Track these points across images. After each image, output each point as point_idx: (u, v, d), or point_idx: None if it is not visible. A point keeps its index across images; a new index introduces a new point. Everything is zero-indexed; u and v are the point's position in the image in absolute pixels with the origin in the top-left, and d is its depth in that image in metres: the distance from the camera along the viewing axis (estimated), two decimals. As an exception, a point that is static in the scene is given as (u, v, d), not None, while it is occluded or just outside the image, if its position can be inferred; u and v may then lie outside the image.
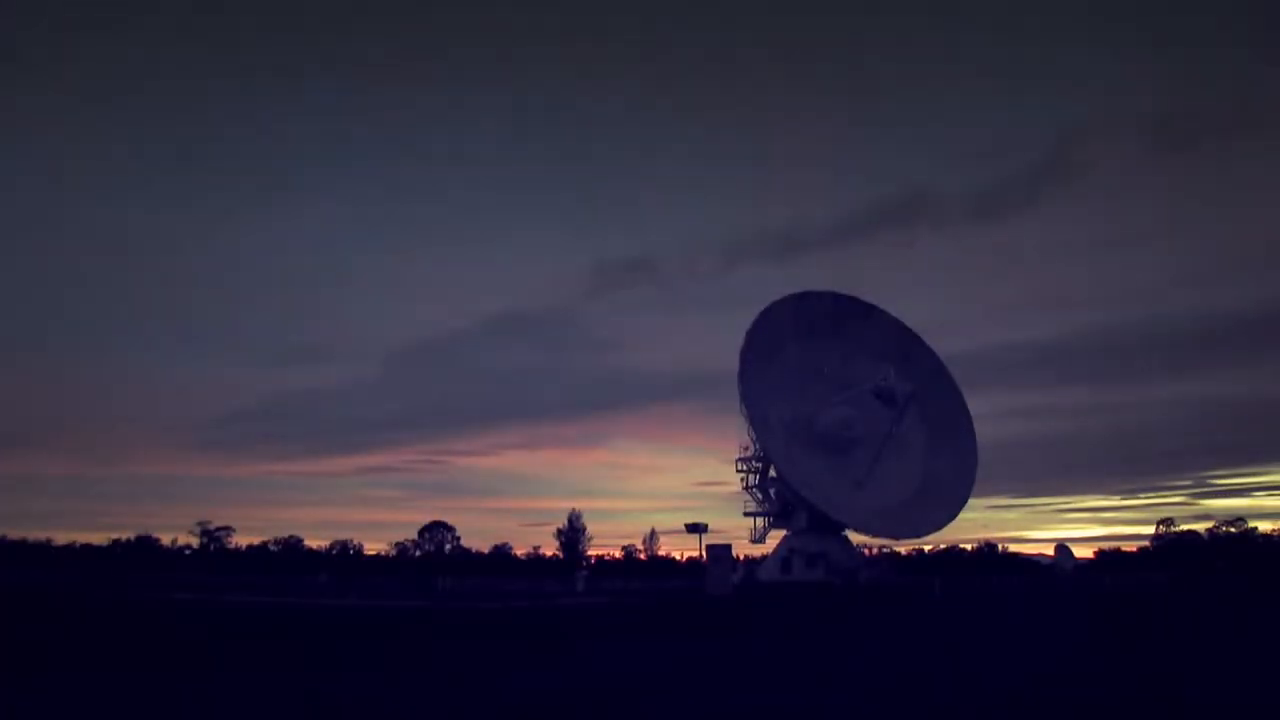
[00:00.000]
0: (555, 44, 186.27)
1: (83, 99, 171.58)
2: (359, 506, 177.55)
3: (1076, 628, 23.26)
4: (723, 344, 62.92)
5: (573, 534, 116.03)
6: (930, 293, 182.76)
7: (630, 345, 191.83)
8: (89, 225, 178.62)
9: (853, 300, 69.83)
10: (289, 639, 18.22)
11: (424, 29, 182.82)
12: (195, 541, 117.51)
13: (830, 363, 67.97)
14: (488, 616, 26.73)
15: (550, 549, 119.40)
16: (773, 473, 66.36)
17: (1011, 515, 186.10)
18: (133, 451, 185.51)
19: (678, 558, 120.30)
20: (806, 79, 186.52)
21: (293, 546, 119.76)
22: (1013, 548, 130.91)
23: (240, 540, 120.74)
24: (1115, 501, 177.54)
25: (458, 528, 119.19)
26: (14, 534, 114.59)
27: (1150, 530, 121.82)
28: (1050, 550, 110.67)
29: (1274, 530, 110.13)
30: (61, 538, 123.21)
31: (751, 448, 66.41)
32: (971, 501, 66.95)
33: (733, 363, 62.74)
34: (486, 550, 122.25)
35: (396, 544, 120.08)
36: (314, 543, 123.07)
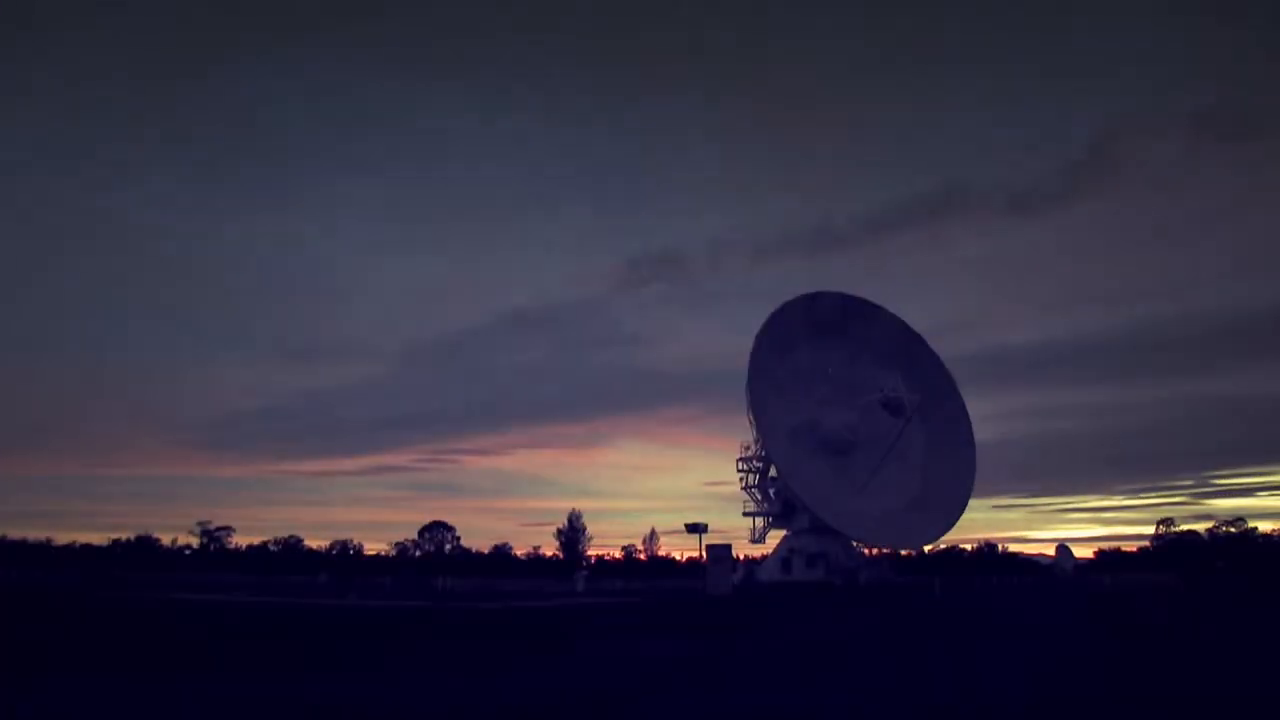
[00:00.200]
0: (585, 37, 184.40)
1: (84, 94, 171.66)
2: (359, 506, 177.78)
3: (1076, 628, 23.26)
4: (743, 344, 62.90)
5: (573, 534, 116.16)
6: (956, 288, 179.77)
7: (647, 342, 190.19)
8: (89, 224, 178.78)
9: (862, 301, 69.89)
10: (289, 639, 18.21)
11: (449, 20, 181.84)
12: (195, 541, 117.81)
13: (836, 364, 68.01)
14: (488, 616, 26.72)
15: (550, 549, 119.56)
16: (773, 473, 66.36)
17: (1013, 515, 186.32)
18: (133, 451, 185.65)
19: (678, 558, 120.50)
20: (840, 76, 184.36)
21: (293, 546, 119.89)
22: (1014, 548, 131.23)
23: (240, 540, 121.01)
24: (1116, 501, 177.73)
25: (458, 528, 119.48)
26: (14, 534, 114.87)
27: (1150, 530, 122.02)
28: (1051, 550, 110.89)
29: (1275, 530, 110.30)
30: (61, 538, 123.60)
31: (752, 448, 66.44)
32: (973, 502, 67.07)
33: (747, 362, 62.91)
34: (487, 550, 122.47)
35: (396, 544, 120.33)
36: (314, 543, 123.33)
